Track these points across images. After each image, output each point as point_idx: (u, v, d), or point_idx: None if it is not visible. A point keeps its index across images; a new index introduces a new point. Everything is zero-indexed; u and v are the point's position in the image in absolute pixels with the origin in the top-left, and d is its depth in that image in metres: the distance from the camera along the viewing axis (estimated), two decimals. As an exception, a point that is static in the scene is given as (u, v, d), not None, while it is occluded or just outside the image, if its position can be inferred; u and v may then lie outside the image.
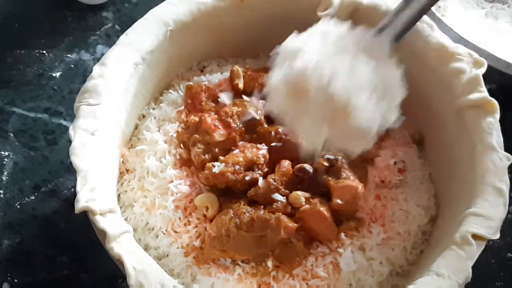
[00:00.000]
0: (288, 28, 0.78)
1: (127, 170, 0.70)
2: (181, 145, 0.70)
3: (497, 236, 0.60)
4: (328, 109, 0.55)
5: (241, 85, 0.73)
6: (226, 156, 0.67)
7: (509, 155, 0.65)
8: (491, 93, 0.68)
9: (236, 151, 0.67)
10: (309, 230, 0.65)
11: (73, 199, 0.59)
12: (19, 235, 0.76)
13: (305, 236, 0.65)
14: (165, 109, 0.74)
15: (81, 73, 0.90)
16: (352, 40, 0.58)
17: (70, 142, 0.62)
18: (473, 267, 0.59)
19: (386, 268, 0.66)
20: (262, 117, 0.70)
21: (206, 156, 0.67)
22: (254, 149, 0.68)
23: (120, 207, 0.67)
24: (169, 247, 0.65)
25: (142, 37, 0.70)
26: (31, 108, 0.86)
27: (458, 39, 0.82)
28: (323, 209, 0.65)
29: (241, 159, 0.66)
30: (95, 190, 0.60)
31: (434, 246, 0.66)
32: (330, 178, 0.67)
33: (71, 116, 0.84)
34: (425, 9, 0.58)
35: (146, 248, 0.66)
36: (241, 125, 0.69)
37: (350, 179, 0.66)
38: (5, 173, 0.81)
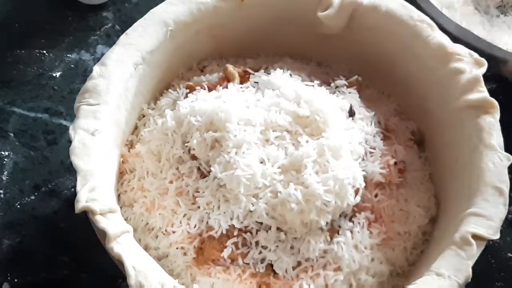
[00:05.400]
0: (288, 28, 0.78)
1: (127, 170, 0.70)
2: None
3: (497, 236, 0.60)
4: None
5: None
6: None
7: (509, 155, 0.65)
8: (491, 93, 0.68)
9: None
10: None
11: (73, 199, 0.59)
12: (19, 235, 0.76)
13: None
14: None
15: (81, 73, 0.90)
16: None
17: (70, 142, 0.62)
18: (473, 267, 0.58)
19: (386, 268, 0.66)
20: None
21: None
22: None
23: (120, 207, 0.67)
24: (168, 248, 0.65)
25: (142, 37, 0.70)
26: (31, 108, 0.86)
27: (458, 30, 0.82)
28: None
29: None
30: (95, 190, 0.60)
31: (434, 246, 0.66)
32: None
33: (71, 116, 0.84)
34: None
35: (146, 248, 0.66)
36: None
37: None
38: (5, 173, 0.81)
